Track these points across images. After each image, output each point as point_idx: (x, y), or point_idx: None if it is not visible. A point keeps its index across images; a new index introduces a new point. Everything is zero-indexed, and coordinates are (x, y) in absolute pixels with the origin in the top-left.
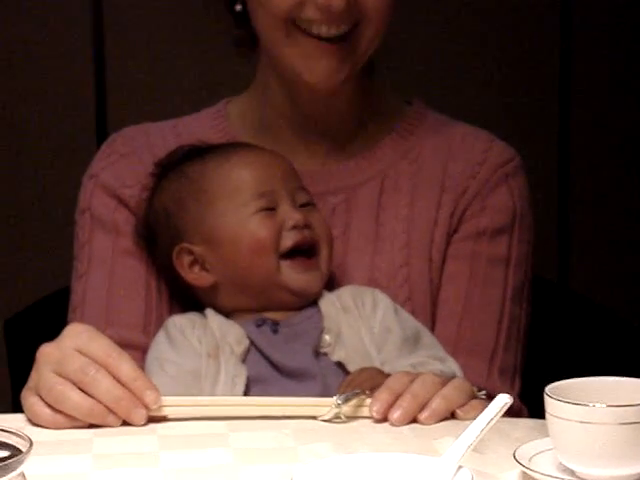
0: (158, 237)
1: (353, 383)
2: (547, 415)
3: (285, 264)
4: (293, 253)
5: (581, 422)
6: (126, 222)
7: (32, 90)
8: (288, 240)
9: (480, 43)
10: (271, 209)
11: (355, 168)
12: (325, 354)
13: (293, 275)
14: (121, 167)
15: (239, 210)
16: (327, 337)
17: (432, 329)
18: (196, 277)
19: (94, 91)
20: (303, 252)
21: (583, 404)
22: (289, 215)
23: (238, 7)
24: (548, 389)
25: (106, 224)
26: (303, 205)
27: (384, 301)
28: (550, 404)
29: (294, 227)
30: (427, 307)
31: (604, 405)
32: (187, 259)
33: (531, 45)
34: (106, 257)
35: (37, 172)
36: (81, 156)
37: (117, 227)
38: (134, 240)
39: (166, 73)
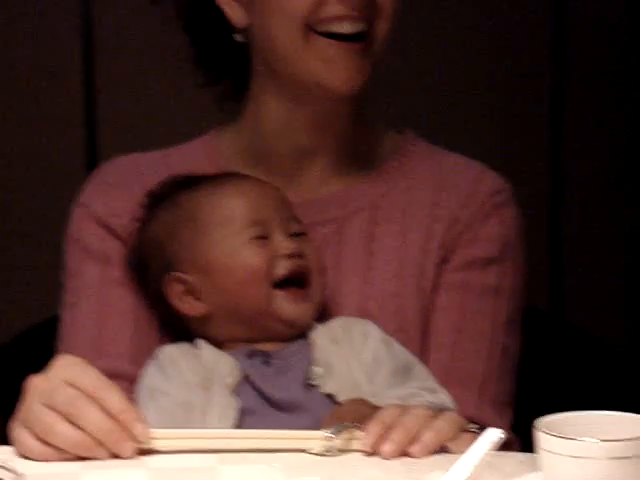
0: (149, 266)
1: (340, 415)
2: (538, 449)
3: (278, 294)
4: (286, 283)
5: (572, 457)
6: (115, 252)
7: (20, 119)
8: (281, 269)
9: (471, 77)
10: (264, 238)
11: (346, 198)
12: (316, 386)
13: (285, 305)
14: (111, 197)
15: (232, 238)
16: (317, 369)
17: (423, 359)
18: (188, 306)
19: (84, 120)
20: (295, 282)
21: (574, 439)
22: (282, 244)
23: (239, 37)
24: (539, 423)
25: (95, 254)
26: (296, 234)
27: (374, 332)
28: (541, 438)
29: (287, 256)
30: (418, 337)
31: (596, 440)
32: (178, 288)
33: (522, 81)
34: (95, 287)
35: (26, 201)
36: (70, 186)
37: (106, 257)
38: (123, 270)
39: (156, 102)
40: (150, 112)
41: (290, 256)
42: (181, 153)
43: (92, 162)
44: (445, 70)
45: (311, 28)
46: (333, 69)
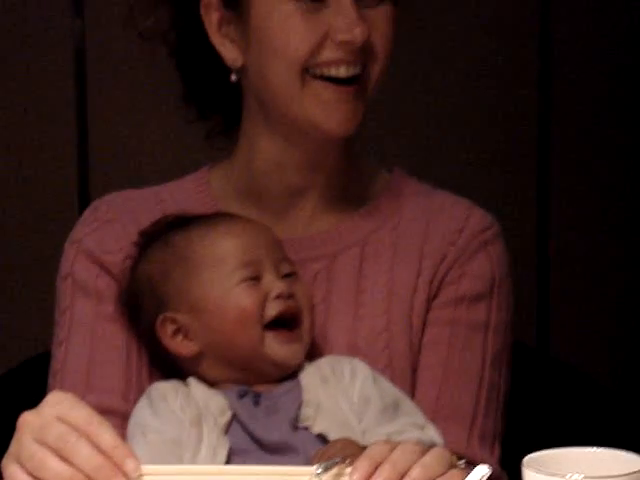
0: (141, 305)
1: (327, 454)
2: None
3: (268, 335)
4: (276, 324)
5: None
6: (108, 288)
7: (13, 153)
8: (272, 310)
9: (460, 118)
10: (255, 279)
11: (336, 235)
12: (306, 428)
13: (276, 347)
14: (104, 233)
15: (224, 280)
16: (307, 410)
17: (412, 395)
18: (179, 346)
19: (76, 157)
20: (286, 323)
21: (561, 475)
22: (273, 285)
23: (234, 77)
24: (526, 460)
25: (88, 290)
26: (287, 275)
27: (363, 370)
28: (528, 476)
29: (278, 297)
30: (407, 373)
31: (582, 476)
32: (170, 328)
33: (511, 128)
34: (87, 323)
35: (19, 237)
36: (63, 222)
37: (99, 293)
38: (116, 306)
39: (149, 139)
40: (143, 148)
41: (281, 297)
42: (173, 190)
43: (85, 199)
44: (434, 110)
45: (308, 71)
46: (329, 112)
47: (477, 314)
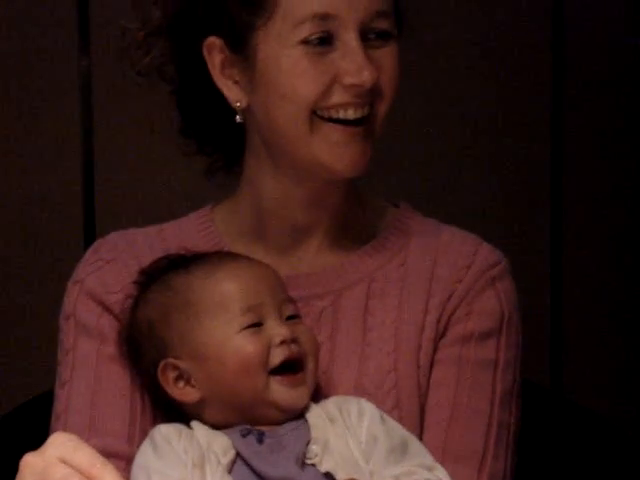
0: (141, 348)
1: None
2: None
3: (273, 380)
4: (281, 369)
5: None
6: (111, 328)
7: (20, 193)
8: (276, 357)
9: (467, 154)
10: (258, 324)
11: (342, 271)
12: (313, 465)
13: (281, 391)
14: (106, 273)
15: (225, 326)
16: (315, 447)
17: (421, 435)
18: (181, 393)
19: (82, 196)
20: (290, 367)
21: None
22: (276, 331)
23: (239, 118)
24: None
25: (91, 330)
26: (290, 317)
27: (370, 410)
28: None
29: (282, 343)
30: (416, 413)
31: None
32: (172, 374)
33: (522, 159)
34: (90, 364)
35: (22, 274)
36: (68, 260)
37: (102, 333)
38: (119, 347)
39: (154, 178)
40: (148, 186)
41: (284, 343)
42: (176, 229)
43: (91, 238)
44: (441, 143)
45: (316, 113)
46: (338, 153)
47: (485, 352)
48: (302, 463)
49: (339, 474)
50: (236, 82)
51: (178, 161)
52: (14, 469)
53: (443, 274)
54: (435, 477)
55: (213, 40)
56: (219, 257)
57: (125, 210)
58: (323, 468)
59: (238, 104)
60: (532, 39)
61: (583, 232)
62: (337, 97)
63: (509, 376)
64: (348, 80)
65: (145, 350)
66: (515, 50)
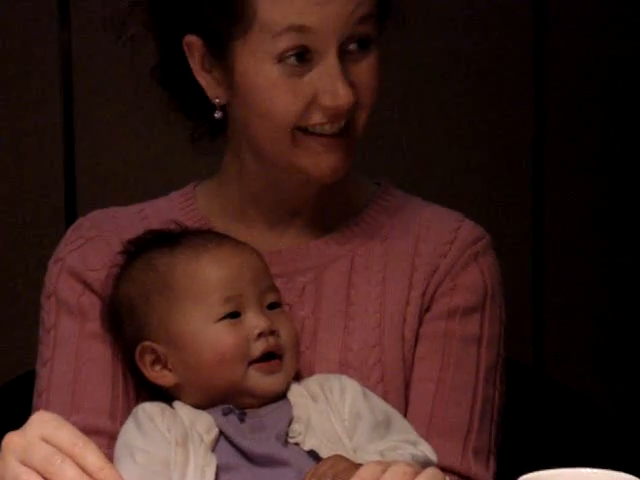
0: (122, 326)
1: (318, 472)
2: None
3: (250, 369)
4: (259, 359)
5: None
6: (92, 306)
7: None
8: (255, 350)
9: (452, 127)
10: (236, 314)
11: (324, 247)
12: (296, 444)
13: (258, 379)
14: (87, 251)
15: (204, 315)
16: (297, 426)
17: (406, 410)
18: (158, 376)
19: (63, 173)
20: (268, 356)
21: None
22: (254, 322)
23: (218, 114)
24: None
25: (72, 308)
26: (271, 305)
27: (352, 386)
28: None
29: (260, 335)
30: (400, 388)
31: None
32: (149, 357)
33: (505, 134)
34: (72, 342)
35: (4, 255)
36: (49, 240)
37: (83, 311)
38: (100, 324)
39: (136, 155)
40: (130, 165)
41: (263, 335)
42: (159, 207)
43: (72, 216)
44: (426, 122)
45: (296, 127)
46: (320, 161)
47: (470, 327)
48: (285, 441)
49: (323, 451)
50: (215, 79)
51: (161, 140)
52: None
53: (426, 249)
54: (420, 452)
55: (193, 39)
56: (204, 240)
57: (106, 192)
58: (307, 446)
59: (217, 100)
60: None
61: (564, 207)
62: (316, 117)
63: (493, 351)
64: (325, 103)
65: (125, 328)
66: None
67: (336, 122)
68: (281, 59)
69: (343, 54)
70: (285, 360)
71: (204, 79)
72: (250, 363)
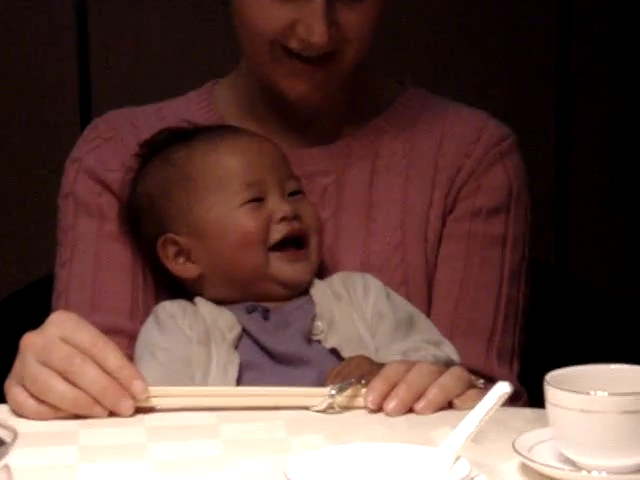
0: (141, 224)
1: (342, 372)
2: (547, 404)
3: (274, 256)
4: (282, 244)
5: (582, 411)
6: (110, 206)
7: (14, 75)
8: (277, 233)
9: (476, 33)
10: (259, 199)
11: (346, 148)
12: (319, 341)
13: (282, 267)
14: (105, 151)
15: (226, 201)
16: (319, 324)
17: (429, 311)
18: (181, 268)
19: (78, 76)
20: (292, 243)
21: (584, 392)
22: (278, 207)
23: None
24: (548, 377)
25: (90, 209)
26: (292, 193)
27: (375, 285)
28: (550, 392)
29: (283, 219)
30: (423, 289)
31: (605, 393)
32: (172, 250)
33: (529, 35)
34: (90, 242)
35: (19, 158)
36: (65, 141)
37: (101, 211)
38: (119, 224)
39: (151, 57)
40: (145, 65)
41: (286, 219)
42: (176, 106)
43: (87, 117)
44: (449, 21)
45: (277, 43)
46: (295, 85)
47: (494, 227)
48: (308, 339)
49: (345, 350)
50: None
51: (178, 35)
52: (14, 349)
53: (450, 149)
54: (443, 353)
55: None
56: (220, 132)
57: (122, 88)
58: (329, 344)
59: None
60: None
61: (590, 108)
62: (293, 42)
63: (518, 252)
64: (300, 34)
65: (145, 225)
66: None
67: (311, 52)
68: None
69: None
70: (310, 248)
71: None
72: (271, 249)
